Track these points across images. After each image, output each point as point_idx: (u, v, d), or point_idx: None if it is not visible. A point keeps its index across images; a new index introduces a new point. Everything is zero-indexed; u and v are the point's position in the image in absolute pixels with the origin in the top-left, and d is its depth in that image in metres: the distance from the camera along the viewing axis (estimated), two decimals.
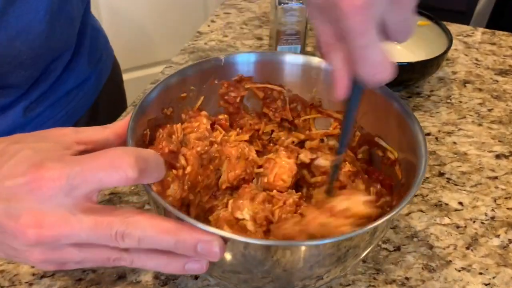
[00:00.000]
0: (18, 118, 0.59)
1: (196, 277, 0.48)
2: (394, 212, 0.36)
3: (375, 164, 0.50)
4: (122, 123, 0.41)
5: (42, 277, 0.47)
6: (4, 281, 0.47)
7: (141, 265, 0.35)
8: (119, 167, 0.32)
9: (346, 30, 0.31)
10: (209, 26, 0.89)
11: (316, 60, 0.51)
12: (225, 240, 0.35)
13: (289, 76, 0.53)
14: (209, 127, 0.48)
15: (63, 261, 0.35)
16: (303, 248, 0.36)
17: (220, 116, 0.52)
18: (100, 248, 0.34)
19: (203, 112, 0.50)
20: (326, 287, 0.47)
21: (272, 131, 0.55)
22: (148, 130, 0.45)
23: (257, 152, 0.52)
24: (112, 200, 0.55)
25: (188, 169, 0.43)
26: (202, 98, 0.51)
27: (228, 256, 0.37)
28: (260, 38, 0.86)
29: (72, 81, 0.65)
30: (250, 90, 0.53)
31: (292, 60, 0.52)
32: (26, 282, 0.47)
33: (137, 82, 0.90)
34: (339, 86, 0.35)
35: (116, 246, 0.33)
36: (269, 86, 0.53)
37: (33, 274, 0.47)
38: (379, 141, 0.49)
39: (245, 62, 0.51)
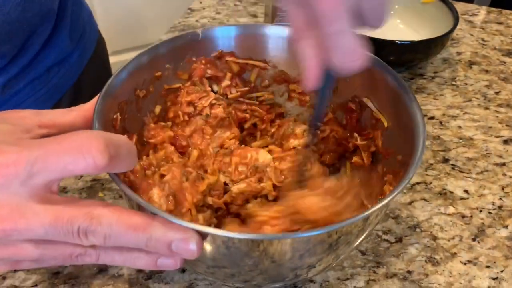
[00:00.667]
0: None
1: (183, 270, 0.44)
2: (388, 199, 0.33)
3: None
4: (89, 106, 0.37)
5: (16, 270, 0.44)
6: None
7: (108, 261, 0.32)
8: (87, 152, 0.28)
9: (318, 16, 0.30)
10: (201, 2, 0.84)
11: None
12: (203, 235, 0.31)
13: (274, 51, 0.48)
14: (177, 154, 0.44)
15: (16, 258, 0.31)
16: (289, 239, 0.33)
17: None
18: (60, 244, 0.30)
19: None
20: (323, 281, 0.44)
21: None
22: (119, 114, 0.40)
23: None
24: (93, 187, 0.51)
25: (168, 177, 0.39)
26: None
27: (210, 251, 0.34)
28: (254, 15, 0.81)
29: (53, 57, 0.61)
30: (228, 65, 0.49)
31: (277, 32, 0.47)
32: None
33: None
34: (310, 76, 0.35)
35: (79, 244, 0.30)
36: (251, 62, 0.49)
37: None
38: (367, 103, 0.46)
39: (226, 36, 0.47)
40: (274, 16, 0.73)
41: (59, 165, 0.28)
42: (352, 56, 0.31)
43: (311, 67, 0.34)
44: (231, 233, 0.31)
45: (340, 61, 0.32)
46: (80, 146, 0.28)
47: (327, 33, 0.31)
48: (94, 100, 0.37)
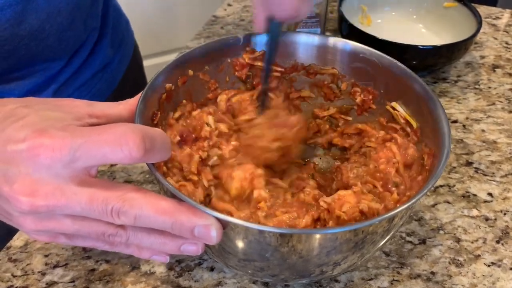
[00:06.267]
0: None
1: (211, 269, 0.46)
2: (413, 201, 0.35)
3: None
4: (134, 100, 0.40)
5: (55, 267, 0.46)
6: (16, 270, 0.46)
7: (137, 243, 0.34)
8: (125, 144, 0.31)
9: None
10: (225, 10, 0.86)
11: (331, 41, 0.49)
12: (223, 224, 0.33)
13: (303, 57, 0.51)
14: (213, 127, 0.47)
15: (56, 231, 0.34)
16: (317, 235, 0.35)
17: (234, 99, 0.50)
18: (95, 221, 0.33)
19: (208, 110, 0.48)
20: (348, 280, 0.45)
21: None
22: (158, 110, 0.43)
23: None
24: None
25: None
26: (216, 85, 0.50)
27: (242, 244, 0.36)
28: None
29: (97, 63, 0.65)
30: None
31: (306, 40, 0.50)
32: (39, 272, 0.46)
33: (156, 68, 0.89)
34: (257, 21, 0.47)
35: (111, 223, 0.32)
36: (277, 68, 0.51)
37: (46, 264, 0.46)
38: (396, 107, 0.47)
39: (258, 42, 0.49)
40: (297, 22, 0.75)
41: (98, 153, 0.31)
42: (286, 6, 0.44)
43: (257, 14, 0.47)
44: (250, 224, 0.33)
45: (278, 10, 0.45)
46: (119, 138, 0.31)
47: None
48: (138, 96, 0.40)
